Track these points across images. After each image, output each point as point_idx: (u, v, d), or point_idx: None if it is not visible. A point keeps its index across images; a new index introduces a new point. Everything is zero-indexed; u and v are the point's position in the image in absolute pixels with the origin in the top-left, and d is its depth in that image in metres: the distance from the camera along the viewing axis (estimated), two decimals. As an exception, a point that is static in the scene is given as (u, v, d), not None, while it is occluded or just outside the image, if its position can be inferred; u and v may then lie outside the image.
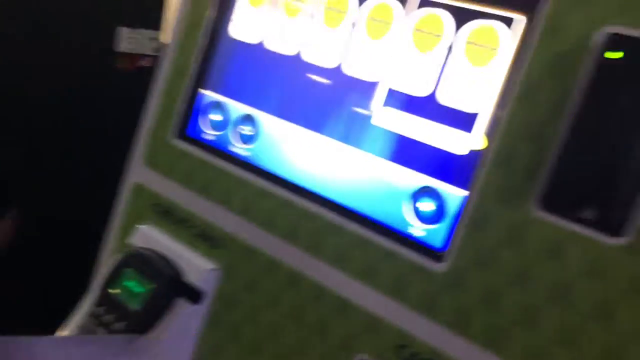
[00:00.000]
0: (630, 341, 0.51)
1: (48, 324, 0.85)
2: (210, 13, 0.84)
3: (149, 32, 1.62)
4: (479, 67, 0.63)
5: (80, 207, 1.62)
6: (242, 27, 0.83)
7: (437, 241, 0.64)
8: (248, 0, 0.83)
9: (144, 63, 1.63)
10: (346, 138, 0.72)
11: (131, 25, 1.59)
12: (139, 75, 1.63)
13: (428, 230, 0.65)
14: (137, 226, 0.86)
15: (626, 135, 0.51)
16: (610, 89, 0.53)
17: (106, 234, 0.91)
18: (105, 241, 0.92)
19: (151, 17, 1.63)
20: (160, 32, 1.65)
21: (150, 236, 0.85)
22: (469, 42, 0.65)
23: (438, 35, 0.66)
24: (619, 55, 0.52)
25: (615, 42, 0.53)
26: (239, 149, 0.81)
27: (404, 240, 0.65)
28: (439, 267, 0.62)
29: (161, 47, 1.66)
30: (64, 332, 0.82)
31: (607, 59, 0.53)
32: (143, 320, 0.78)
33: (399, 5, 0.70)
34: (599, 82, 0.53)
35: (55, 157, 1.56)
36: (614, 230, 0.52)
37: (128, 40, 1.60)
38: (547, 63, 0.58)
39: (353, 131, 0.71)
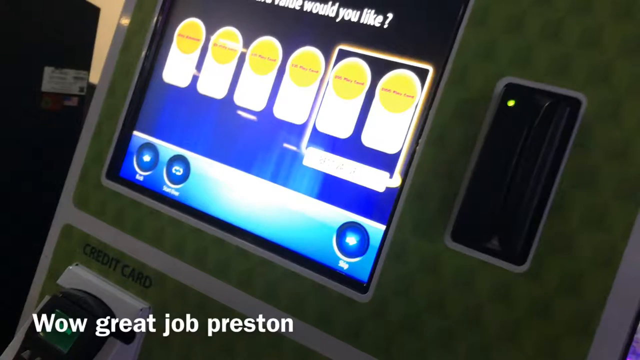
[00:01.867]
0: (533, 357, 0.57)
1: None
2: (142, 57, 0.87)
3: (74, 72, 1.62)
4: (396, 113, 0.69)
5: (6, 248, 1.57)
6: (173, 71, 0.86)
7: (362, 273, 0.68)
8: (178, 47, 0.86)
9: (70, 103, 1.62)
10: (274, 177, 0.76)
11: (57, 64, 1.58)
12: (64, 115, 1.62)
13: (353, 263, 0.69)
14: (68, 267, 0.86)
15: (522, 173, 0.58)
16: (508, 131, 0.60)
17: (35, 275, 0.91)
18: (34, 282, 0.91)
19: (78, 57, 1.63)
20: (86, 72, 1.65)
21: (80, 276, 0.85)
22: (386, 90, 0.71)
23: (358, 83, 0.72)
24: (512, 102, 0.59)
25: (510, 91, 0.60)
26: (170, 188, 0.83)
27: (331, 273, 0.70)
28: (363, 298, 0.67)
29: (88, 87, 1.65)
30: (-11, 377, 0.81)
31: (505, 105, 0.60)
32: (73, 362, 0.78)
33: (321, 54, 0.75)
34: (498, 125, 0.60)
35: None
36: (516, 258, 0.59)
37: (53, 79, 1.59)
38: (454, 108, 0.64)
39: (281, 171, 0.76)
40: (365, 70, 0.72)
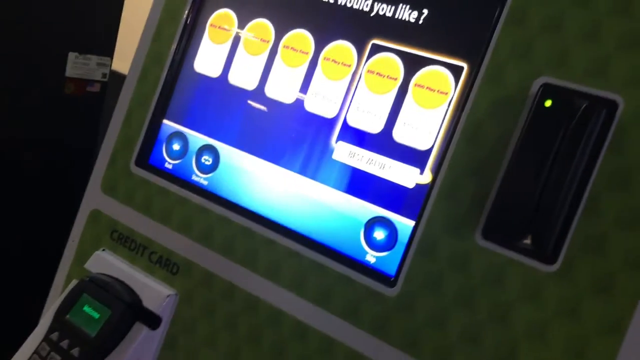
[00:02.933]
0: (561, 358, 0.58)
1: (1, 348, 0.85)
2: (173, 46, 0.87)
3: (97, 58, 1.63)
4: (429, 109, 0.70)
5: (34, 232, 1.60)
6: (204, 61, 0.87)
7: (389, 268, 0.69)
8: (210, 38, 0.87)
9: (92, 89, 1.64)
10: (303, 170, 0.76)
11: (81, 50, 1.60)
12: (86, 101, 1.63)
13: (381, 257, 0.70)
14: (95, 252, 0.88)
15: (556, 173, 0.58)
16: (543, 131, 0.60)
17: (62, 259, 0.92)
18: (60, 266, 0.93)
19: (102, 43, 1.64)
20: (109, 59, 1.66)
21: (108, 262, 0.86)
22: (419, 86, 0.71)
23: (391, 78, 0.73)
24: (549, 102, 0.60)
25: (547, 91, 0.60)
26: (199, 177, 0.84)
27: (358, 266, 0.70)
28: (391, 292, 0.67)
29: (110, 74, 1.67)
30: (18, 356, 0.82)
31: (541, 105, 0.60)
32: (99, 346, 0.79)
33: (354, 48, 0.76)
34: (534, 125, 0.60)
35: (3, 181, 1.53)
36: (547, 258, 0.59)
37: (77, 65, 1.60)
38: (488, 107, 0.64)
39: (310, 164, 0.76)
40: (399, 65, 0.72)
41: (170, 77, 0.88)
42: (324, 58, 0.78)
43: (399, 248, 0.69)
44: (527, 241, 0.59)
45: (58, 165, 1.61)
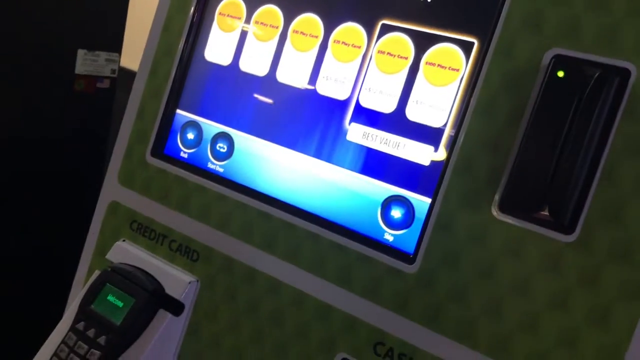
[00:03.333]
0: (582, 326, 0.58)
1: (28, 339, 0.86)
2: (184, 36, 0.88)
3: (106, 54, 1.64)
4: (441, 87, 0.70)
5: (48, 231, 1.62)
6: (215, 50, 0.87)
7: (408, 245, 0.70)
8: (219, 26, 0.87)
9: (102, 85, 1.65)
10: (318, 153, 0.77)
11: (90, 47, 1.61)
12: (97, 97, 1.64)
13: (399, 236, 0.71)
14: (115, 243, 0.89)
15: (571, 143, 0.59)
16: (557, 102, 0.60)
17: (83, 251, 0.93)
18: (82, 258, 0.94)
19: (110, 39, 1.65)
20: (118, 54, 1.67)
21: (128, 251, 0.87)
22: (430, 64, 0.71)
23: (402, 57, 0.73)
24: (562, 73, 0.60)
25: (559, 62, 0.60)
26: (215, 165, 0.85)
27: (377, 245, 0.71)
28: (410, 269, 0.68)
29: (119, 69, 1.68)
30: (45, 347, 0.84)
31: (553, 76, 0.60)
32: (125, 334, 0.80)
33: (363, 29, 0.76)
34: (547, 96, 0.61)
35: (16, 179, 1.55)
36: (565, 228, 0.60)
37: (86, 62, 1.61)
38: (501, 81, 0.65)
39: (325, 147, 0.77)
40: (409, 44, 0.73)
41: (182, 68, 0.88)
42: (334, 41, 0.78)
43: (417, 225, 0.70)
44: (545, 212, 0.60)
45: (72, 162, 1.63)
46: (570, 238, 0.60)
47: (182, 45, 0.88)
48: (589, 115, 0.58)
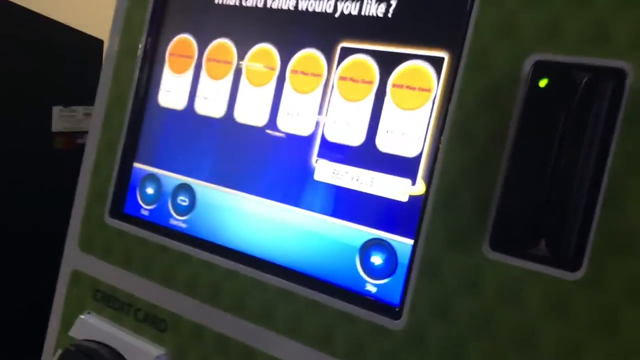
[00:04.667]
0: (604, 380, 0.48)
1: None
2: (134, 83, 0.80)
3: (82, 109, 1.58)
4: (411, 110, 0.61)
5: (24, 295, 1.53)
6: (168, 94, 0.80)
7: (393, 296, 0.60)
8: (170, 68, 0.80)
9: (81, 141, 1.58)
10: (285, 198, 0.68)
11: (65, 103, 1.55)
12: (76, 153, 1.57)
13: (382, 285, 0.61)
14: (79, 316, 0.80)
15: (565, 163, 0.49)
16: (543, 116, 0.51)
17: (49, 326, 0.85)
18: (47, 334, 0.86)
19: (85, 92, 1.59)
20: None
21: (92, 325, 0.79)
22: (398, 86, 0.63)
23: (366, 82, 0.64)
24: (545, 81, 0.51)
25: (540, 69, 0.51)
26: (177, 220, 0.77)
27: (358, 299, 0.62)
28: (397, 325, 0.58)
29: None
30: None
31: (536, 86, 0.51)
32: (91, 420, 0.71)
33: (322, 55, 0.68)
34: (531, 110, 0.52)
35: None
36: (569, 264, 0.50)
37: (62, 118, 1.55)
38: (477, 97, 0.56)
39: (292, 189, 0.68)
40: (373, 66, 0.64)
41: (135, 117, 0.81)
42: (292, 71, 0.70)
43: (401, 272, 0.60)
44: (542, 247, 0.50)
45: (48, 224, 1.55)
46: (576, 275, 0.50)
47: (134, 92, 0.81)
48: (582, 128, 0.49)
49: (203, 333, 0.70)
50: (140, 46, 0.81)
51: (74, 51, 1.56)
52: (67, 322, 0.83)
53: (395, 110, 0.62)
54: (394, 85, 0.63)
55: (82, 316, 0.80)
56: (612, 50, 0.50)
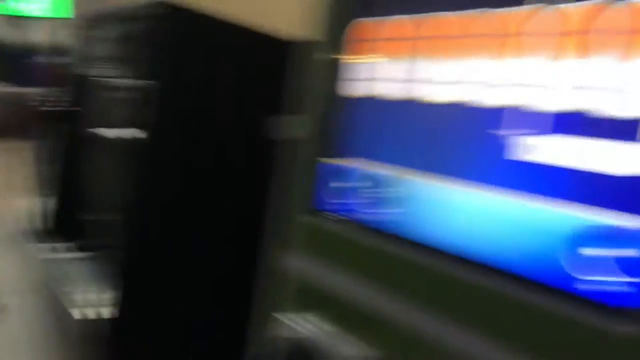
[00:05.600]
0: None
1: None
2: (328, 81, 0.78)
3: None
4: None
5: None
6: (349, 82, 0.76)
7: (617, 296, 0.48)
8: (350, 57, 0.76)
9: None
10: (487, 178, 0.59)
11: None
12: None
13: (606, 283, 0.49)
14: (282, 315, 0.79)
15: None
16: None
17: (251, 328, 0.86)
18: (251, 335, 0.86)
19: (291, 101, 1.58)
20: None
21: (298, 324, 0.77)
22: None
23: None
24: None
25: None
26: (384, 214, 0.71)
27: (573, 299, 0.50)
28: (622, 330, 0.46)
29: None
30: None
31: None
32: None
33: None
34: None
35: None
36: None
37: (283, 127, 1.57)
38: None
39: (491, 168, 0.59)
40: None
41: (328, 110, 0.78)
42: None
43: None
44: None
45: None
46: None
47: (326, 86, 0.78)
48: None
49: (414, 336, 0.64)
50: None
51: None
52: (271, 321, 0.82)
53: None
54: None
55: (285, 315, 0.79)
56: None
